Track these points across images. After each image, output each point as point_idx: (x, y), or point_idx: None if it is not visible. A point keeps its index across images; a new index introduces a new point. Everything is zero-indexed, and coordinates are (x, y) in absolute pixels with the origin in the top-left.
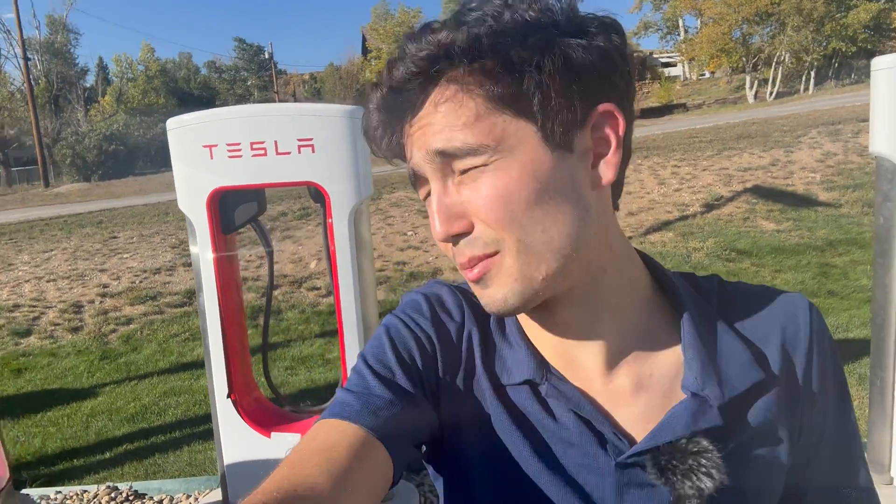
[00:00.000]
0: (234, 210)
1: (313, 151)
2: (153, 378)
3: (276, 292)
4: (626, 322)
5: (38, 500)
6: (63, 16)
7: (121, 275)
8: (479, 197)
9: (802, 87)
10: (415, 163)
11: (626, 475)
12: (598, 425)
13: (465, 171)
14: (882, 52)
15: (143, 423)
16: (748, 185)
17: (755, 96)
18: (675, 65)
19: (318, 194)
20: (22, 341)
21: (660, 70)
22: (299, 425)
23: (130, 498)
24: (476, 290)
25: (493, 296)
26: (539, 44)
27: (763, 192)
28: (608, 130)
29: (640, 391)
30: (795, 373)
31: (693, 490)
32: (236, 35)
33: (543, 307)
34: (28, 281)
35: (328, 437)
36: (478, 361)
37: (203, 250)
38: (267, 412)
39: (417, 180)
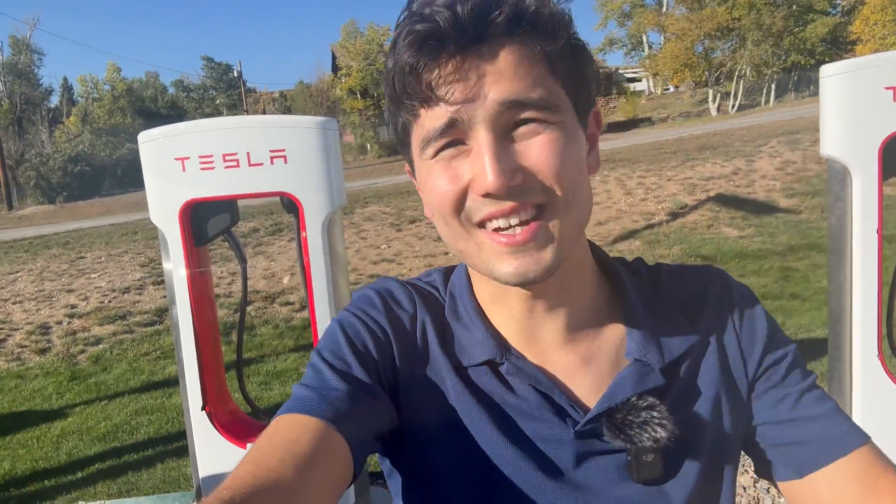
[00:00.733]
0: (206, 222)
1: (286, 162)
2: (124, 397)
3: (249, 308)
4: (579, 299)
5: None
6: (27, 36)
7: (89, 295)
8: (542, 150)
9: (763, 99)
10: (461, 110)
11: (584, 444)
12: (556, 398)
13: (524, 124)
14: None
15: (115, 443)
16: (711, 193)
17: (718, 109)
18: (640, 80)
19: (291, 205)
20: None
21: (625, 85)
22: None
23: None
24: (503, 260)
25: (528, 263)
26: (579, 41)
27: (726, 200)
28: (595, 129)
29: (590, 364)
30: (723, 333)
31: (650, 440)
32: (204, 54)
33: (525, 286)
34: None
35: (289, 431)
36: (435, 347)
37: (176, 263)
38: (242, 423)
39: (449, 131)
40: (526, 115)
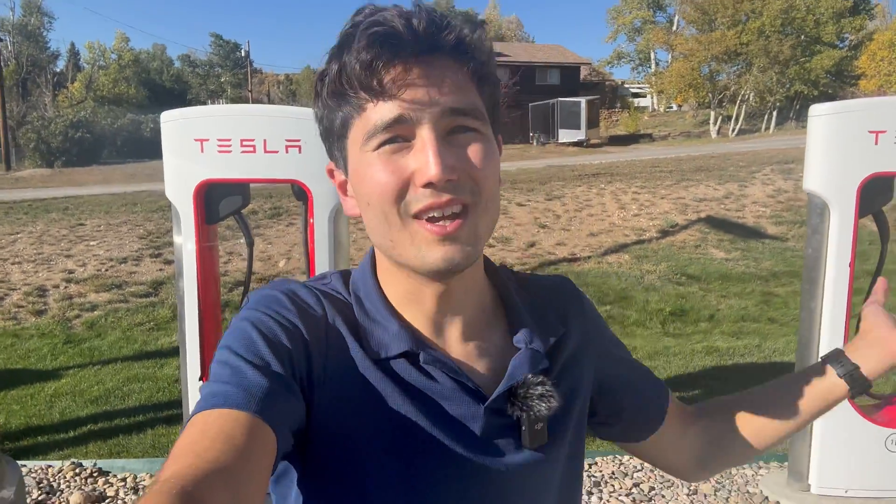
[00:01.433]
0: (219, 202)
1: (300, 152)
2: (117, 364)
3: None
4: (476, 298)
5: None
6: None
7: (87, 261)
8: (474, 155)
9: (764, 125)
10: (409, 108)
11: (491, 419)
12: (467, 382)
13: (460, 131)
14: (843, 98)
15: (107, 406)
16: (702, 214)
17: (718, 132)
18: (644, 96)
19: (301, 192)
20: None
21: (629, 100)
22: None
23: (94, 475)
24: (433, 248)
25: (455, 251)
26: (495, 69)
27: (715, 223)
28: (499, 150)
29: (486, 355)
30: (578, 325)
31: (546, 410)
32: (213, 31)
33: (445, 275)
34: None
35: (223, 426)
36: (351, 343)
37: (186, 237)
38: None
39: (395, 126)
40: (464, 122)
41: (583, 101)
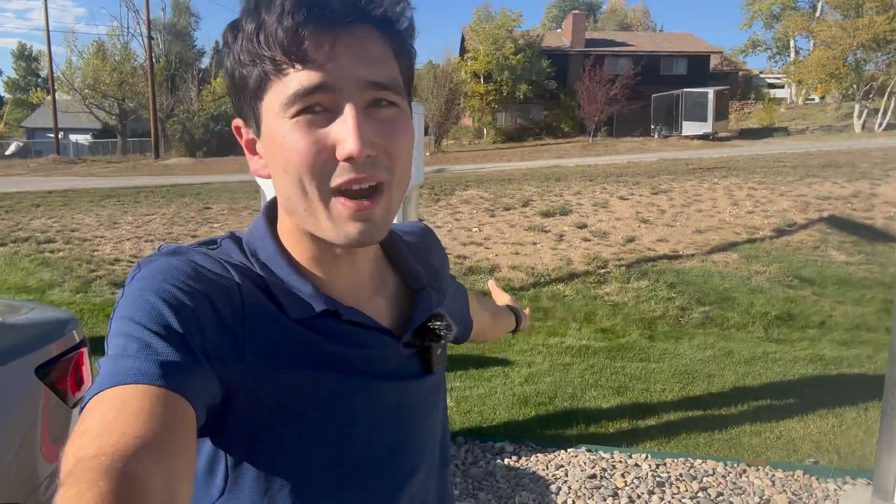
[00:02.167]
0: None
1: None
2: None
3: None
4: (373, 252)
5: None
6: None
7: None
8: (393, 133)
9: None
10: (332, 78)
11: (405, 354)
12: (381, 327)
13: (380, 105)
14: None
15: None
16: (825, 214)
17: (863, 126)
18: (781, 86)
19: None
20: (117, 291)
21: (764, 91)
22: None
23: None
24: (349, 224)
25: (370, 227)
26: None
27: (839, 223)
28: None
29: (388, 301)
30: (441, 270)
31: (449, 337)
32: None
33: (357, 247)
34: (129, 239)
35: (142, 401)
36: (267, 306)
37: None
38: None
39: (316, 94)
40: (384, 95)
41: (710, 91)
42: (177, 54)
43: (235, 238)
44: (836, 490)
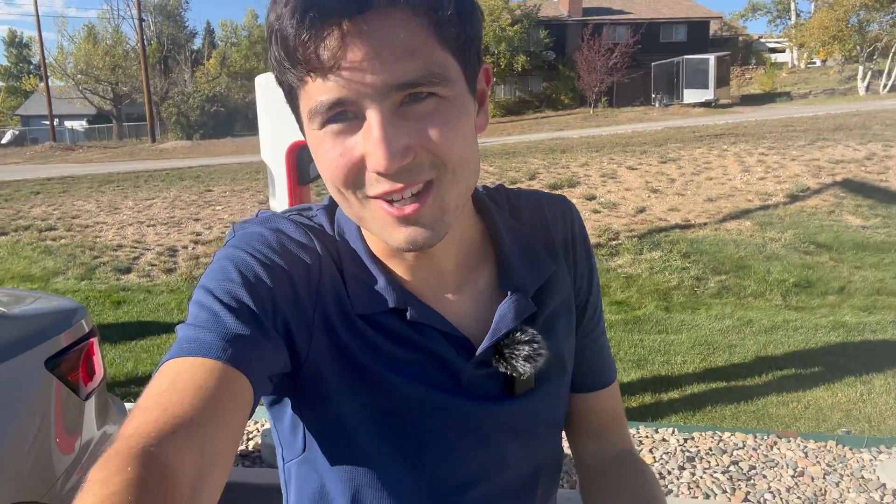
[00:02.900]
0: (310, 163)
1: None
2: None
3: None
4: (461, 241)
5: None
6: None
7: (212, 224)
8: (432, 128)
9: None
10: (349, 87)
11: (477, 370)
12: (455, 333)
13: (415, 100)
14: None
15: None
16: (838, 178)
17: (867, 88)
18: (783, 51)
19: None
20: (122, 277)
21: (766, 56)
22: None
23: None
24: (394, 229)
25: (418, 231)
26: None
27: (853, 186)
28: (485, 85)
29: (473, 300)
30: (571, 261)
31: (532, 369)
32: None
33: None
34: (131, 224)
35: (194, 375)
36: (341, 291)
37: (280, 199)
38: None
39: (335, 106)
40: (416, 91)
41: (711, 57)
42: (168, 35)
43: (330, 209)
44: (871, 460)
